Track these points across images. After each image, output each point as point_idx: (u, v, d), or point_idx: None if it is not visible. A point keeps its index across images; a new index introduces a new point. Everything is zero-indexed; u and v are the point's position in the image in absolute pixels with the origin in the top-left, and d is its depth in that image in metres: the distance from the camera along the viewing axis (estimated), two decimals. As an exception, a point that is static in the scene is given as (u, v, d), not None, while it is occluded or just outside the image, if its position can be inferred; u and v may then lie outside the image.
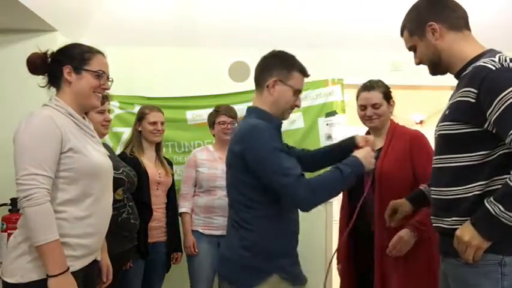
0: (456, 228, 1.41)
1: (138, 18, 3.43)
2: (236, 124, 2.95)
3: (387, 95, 2.23)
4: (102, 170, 1.65)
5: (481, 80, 1.35)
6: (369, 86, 2.24)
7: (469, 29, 1.55)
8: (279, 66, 1.81)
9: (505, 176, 1.34)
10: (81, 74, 1.64)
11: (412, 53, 1.64)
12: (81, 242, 1.57)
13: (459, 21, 1.53)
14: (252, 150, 1.67)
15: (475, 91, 1.37)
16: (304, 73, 1.85)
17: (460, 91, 1.43)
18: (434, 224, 1.54)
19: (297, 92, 1.84)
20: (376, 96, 2.20)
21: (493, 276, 1.36)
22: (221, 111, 2.90)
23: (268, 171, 1.64)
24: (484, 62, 1.39)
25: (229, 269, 1.78)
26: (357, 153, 1.75)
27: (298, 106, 1.89)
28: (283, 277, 1.70)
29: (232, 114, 2.91)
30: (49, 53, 1.68)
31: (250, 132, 1.70)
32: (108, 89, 1.73)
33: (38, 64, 1.66)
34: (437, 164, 1.53)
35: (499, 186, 1.35)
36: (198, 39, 3.60)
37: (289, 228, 1.79)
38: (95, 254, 1.70)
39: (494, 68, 1.35)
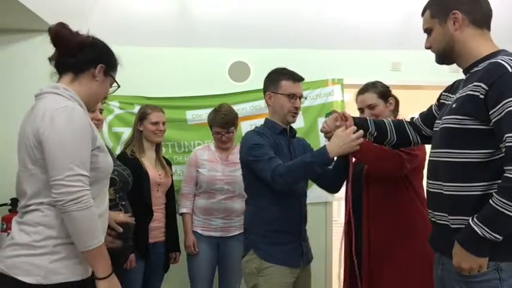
0: (460, 228, 1.39)
1: (138, 18, 3.43)
2: (234, 130, 2.85)
3: (383, 95, 2.24)
4: (112, 167, 1.61)
5: (495, 78, 1.33)
6: (364, 88, 2.27)
7: (489, 28, 1.52)
8: (268, 82, 2.18)
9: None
10: (106, 78, 1.59)
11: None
12: None
13: (482, 18, 1.50)
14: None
15: (486, 87, 1.34)
16: (293, 78, 2.11)
17: (471, 85, 1.40)
18: (437, 221, 1.52)
19: (291, 96, 2.10)
20: (370, 97, 2.22)
21: (492, 282, 1.36)
22: (216, 123, 2.79)
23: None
24: (502, 60, 1.35)
25: None
26: (329, 141, 1.90)
27: (296, 108, 2.13)
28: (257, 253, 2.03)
29: (227, 125, 2.78)
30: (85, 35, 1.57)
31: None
32: (105, 98, 1.75)
33: (72, 44, 1.50)
34: (436, 157, 1.50)
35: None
36: (198, 39, 3.60)
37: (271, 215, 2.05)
38: None
39: (511, 70, 1.32)
